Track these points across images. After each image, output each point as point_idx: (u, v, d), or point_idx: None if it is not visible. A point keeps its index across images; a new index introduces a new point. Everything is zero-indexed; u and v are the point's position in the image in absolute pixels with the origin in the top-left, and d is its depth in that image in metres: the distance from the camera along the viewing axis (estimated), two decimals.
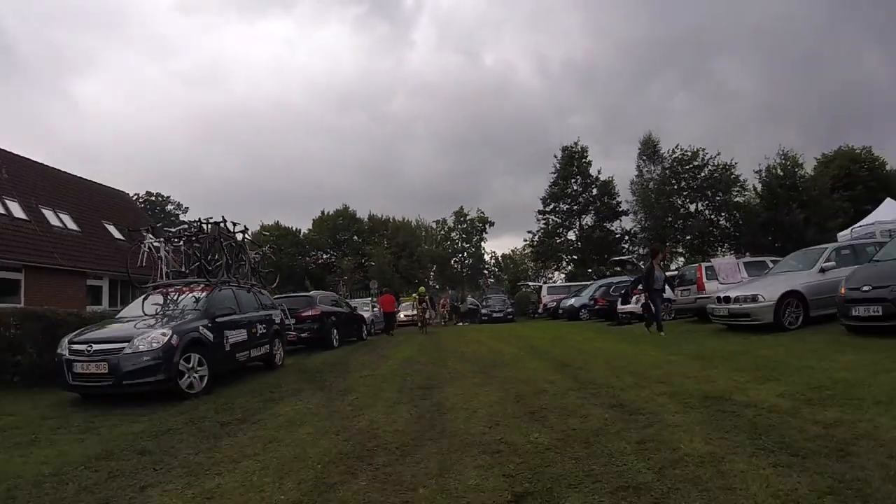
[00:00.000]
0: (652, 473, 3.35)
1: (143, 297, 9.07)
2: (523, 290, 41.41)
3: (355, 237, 59.13)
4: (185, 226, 10.73)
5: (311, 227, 60.29)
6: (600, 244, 41.82)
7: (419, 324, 22.50)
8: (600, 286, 22.83)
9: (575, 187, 41.75)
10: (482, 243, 55.52)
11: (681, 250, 40.01)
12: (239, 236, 11.42)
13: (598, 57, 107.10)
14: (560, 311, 25.09)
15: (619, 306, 17.67)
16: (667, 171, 38.92)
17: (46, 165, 24.37)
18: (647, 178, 39.53)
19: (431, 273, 54.86)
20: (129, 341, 6.88)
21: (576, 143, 42.53)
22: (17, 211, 19.35)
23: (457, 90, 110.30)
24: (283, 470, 3.93)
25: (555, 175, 41.44)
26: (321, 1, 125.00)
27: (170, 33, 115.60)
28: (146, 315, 8.12)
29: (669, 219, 38.72)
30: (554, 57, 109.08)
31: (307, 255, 58.51)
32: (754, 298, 10.03)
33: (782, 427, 4.06)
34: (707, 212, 39.50)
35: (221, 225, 10.69)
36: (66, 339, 7.31)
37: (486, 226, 54.49)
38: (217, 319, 8.33)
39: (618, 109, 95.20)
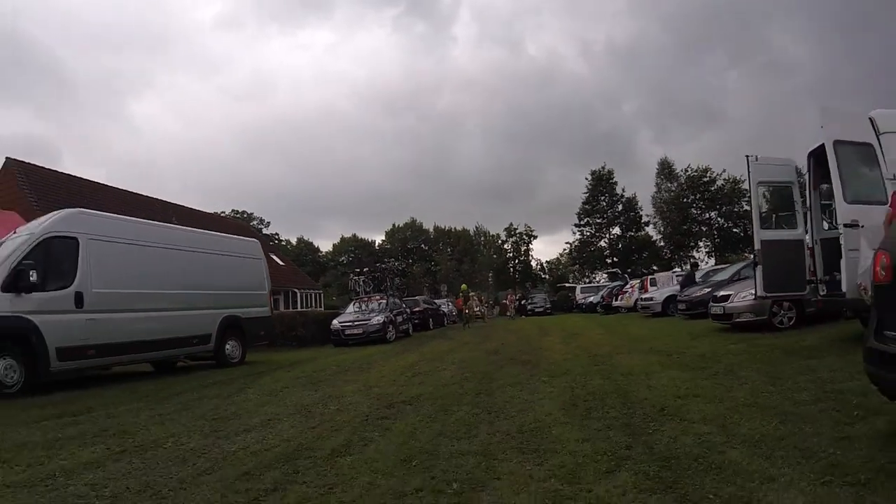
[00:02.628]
0: (618, 375, 6.62)
1: (352, 302, 18.97)
2: (563, 290, 50.51)
3: (423, 246, 69.27)
4: (368, 269, 20.84)
5: (384, 238, 70.81)
6: (628, 251, 50.94)
7: (465, 322, 24.75)
8: (608, 287, 31.81)
9: (603, 204, 51.04)
10: (530, 252, 65.31)
11: (701, 252, 48.52)
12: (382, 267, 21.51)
13: (641, 36, 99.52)
14: (583, 306, 34.07)
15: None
16: (683, 186, 47.63)
17: (195, 209, 35.01)
18: (664, 193, 48.35)
19: (490, 277, 64.21)
20: (369, 320, 16.64)
21: (603, 167, 51.85)
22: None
23: (502, 83, 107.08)
24: (434, 357, 13.19)
25: (586, 194, 50.70)
26: (357, 6, 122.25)
27: (214, 51, 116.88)
28: (363, 310, 17.90)
29: (685, 227, 47.47)
30: (597, 40, 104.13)
31: (382, 262, 68.85)
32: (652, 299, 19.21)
33: (675, 360, 8.39)
34: (720, 220, 48.09)
35: (384, 265, 20.78)
36: (336, 321, 17.14)
37: (531, 238, 64.33)
38: (392, 312, 18.06)
39: (669, 90, 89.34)
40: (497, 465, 3.37)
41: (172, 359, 10.92)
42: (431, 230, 69.47)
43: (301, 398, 6.57)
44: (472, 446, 3.83)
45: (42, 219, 9.41)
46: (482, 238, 66.84)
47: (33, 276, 8.01)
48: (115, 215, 11.00)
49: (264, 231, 70.57)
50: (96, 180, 29.35)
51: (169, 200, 33.22)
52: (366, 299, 18.93)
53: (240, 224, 41.62)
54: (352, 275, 20.65)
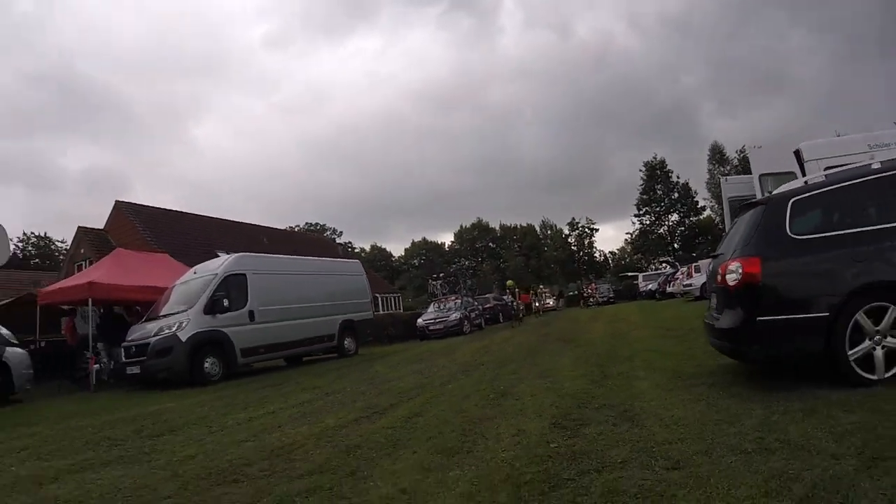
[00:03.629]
0: (622, 343, 15.24)
1: (432, 303, 22.60)
2: (627, 279, 52.78)
3: (490, 244, 72.64)
4: (443, 274, 24.48)
5: (452, 240, 74.59)
6: (691, 236, 52.78)
7: (517, 318, 24.32)
8: (664, 275, 34.31)
9: (659, 193, 53.10)
10: (593, 245, 67.73)
11: None
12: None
13: (693, 3, 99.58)
14: (643, 294, 36.63)
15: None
16: (737, 170, 49.06)
17: (280, 229, 39.56)
18: (717, 178, 49.92)
19: (556, 270, 67.02)
20: (447, 317, 20.22)
21: (654, 157, 53.81)
22: None
23: (555, 68, 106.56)
24: (501, 341, 16.53)
25: (642, 185, 52.94)
26: (400, 8, 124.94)
27: (267, 69, 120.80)
28: (441, 309, 21.49)
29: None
30: (647, 13, 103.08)
31: (454, 264, 72.64)
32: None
33: (670, 333, 15.41)
34: None
35: (457, 268, 24.38)
36: (420, 319, 20.82)
37: (592, 231, 66.73)
38: (466, 309, 21.56)
39: (728, 58, 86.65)
40: (523, 382, 6.71)
41: (306, 354, 14.71)
42: (497, 228, 72.72)
43: (412, 368, 10.12)
44: (514, 378, 7.17)
45: (218, 261, 13.46)
46: (548, 231, 69.48)
47: (225, 303, 11.94)
48: (266, 255, 15.09)
49: (337, 241, 75.22)
50: (193, 212, 33.87)
51: (258, 224, 37.96)
52: (443, 300, 22.51)
53: (324, 241, 46.28)
54: (430, 280, 24.61)
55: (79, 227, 29.58)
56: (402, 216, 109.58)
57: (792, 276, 4.22)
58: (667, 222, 54.37)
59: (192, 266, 15.17)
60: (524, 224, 71.49)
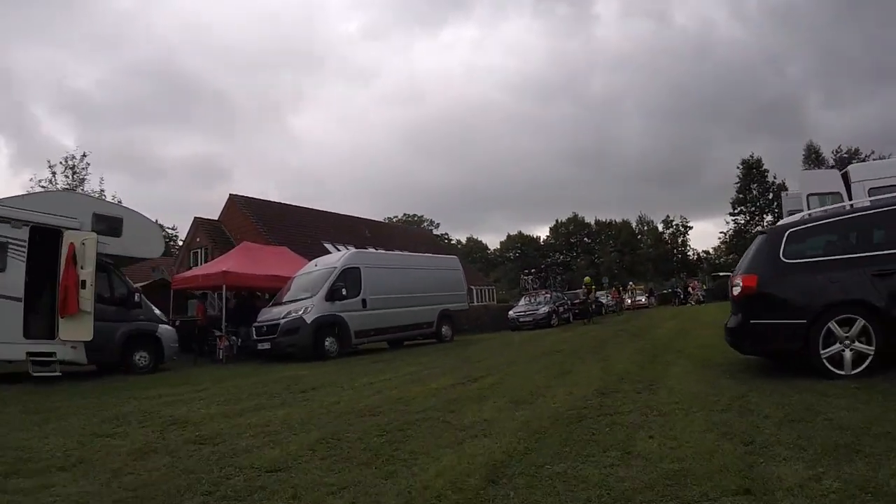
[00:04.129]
0: (679, 338, 16.47)
1: (523, 297, 24.24)
2: (719, 278, 51.92)
3: (585, 239, 73.04)
4: (535, 269, 26.08)
5: (548, 234, 75.51)
6: None
7: (589, 316, 23.47)
8: None
9: (755, 193, 51.90)
10: (687, 243, 66.86)
11: None
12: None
13: None
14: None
15: None
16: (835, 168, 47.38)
17: (380, 221, 42.14)
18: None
19: (650, 267, 66.67)
20: (537, 310, 21.83)
21: (751, 156, 52.59)
22: None
23: (654, 58, 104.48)
24: (581, 334, 17.89)
25: (738, 184, 51.89)
26: None
27: (365, 60, 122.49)
28: (532, 303, 23.09)
29: None
30: (749, 1, 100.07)
31: (546, 256, 73.60)
32: None
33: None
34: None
35: (548, 264, 25.93)
36: (511, 311, 22.52)
37: (686, 229, 65.87)
38: (555, 303, 23.04)
39: (834, 47, 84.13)
40: (585, 364, 8.25)
41: (408, 339, 16.69)
42: (593, 223, 73.06)
43: (500, 351, 11.91)
44: (578, 361, 8.70)
45: (336, 256, 15.85)
46: (644, 227, 69.10)
47: (343, 292, 14.12)
48: (377, 251, 17.35)
49: (434, 232, 76.54)
50: (300, 204, 36.83)
51: (360, 216, 40.71)
52: (534, 294, 24.06)
53: (423, 234, 48.85)
54: (522, 275, 26.23)
55: (195, 218, 32.96)
56: (499, 207, 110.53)
57: (780, 290, 5.58)
58: (762, 223, 53.20)
59: (306, 258, 17.65)
60: (619, 220, 71.76)
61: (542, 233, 78.65)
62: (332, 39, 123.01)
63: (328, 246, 30.84)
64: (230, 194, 33.71)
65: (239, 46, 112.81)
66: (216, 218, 33.16)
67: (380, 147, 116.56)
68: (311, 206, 37.57)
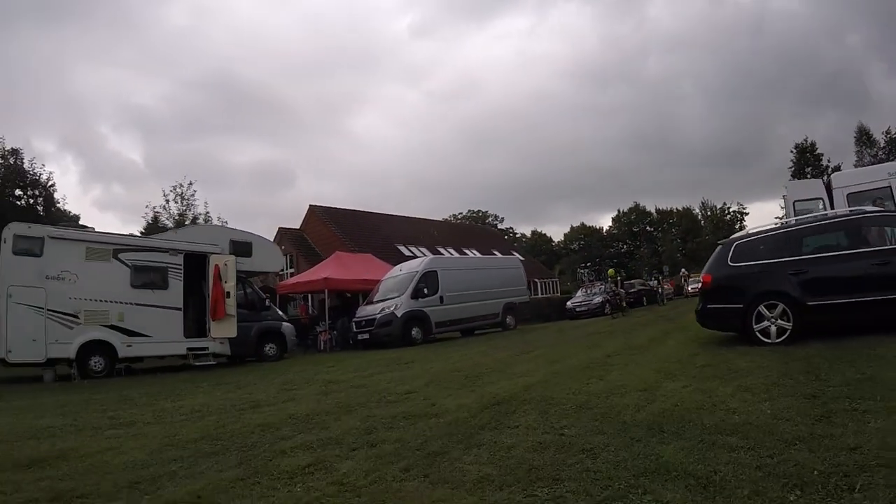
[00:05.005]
0: None
1: (580, 288, 26.88)
2: None
3: (647, 228, 74.17)
4: (590, 263, 28.62)
5: (610, 224, 77.03)
6: None
7: (617, 310, 23.39)
8: None
9: (808, 177, 51.90)
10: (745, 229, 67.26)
11: None
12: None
13: None
14: None
15: None
16: (885, 151, 47.01)
17: (442, 221, 45.34)
18: (867, 161, 48.11)
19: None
20: (591, 301, 24.50)
21: (805, 140, 52.80)
22: (453, 253, 37.86)
23: (710, 36, 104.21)
24: (626, 320, 20.41)
25: (791, 168, 52.02)
26: None
27: (418, 58, 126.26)
28: (587, 293, 25.75)
29: None
30: None
31: (610, 246, 75.19)
32: None
33: None
34: None
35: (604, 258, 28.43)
36: (569, 302, 25.26)
37: (742, 216, 66.39)
38: (609, 294, 25.58)
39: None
40: (613, 340, 11.01)
41: (477, 328, 19.71)
42: (654, 211, 74.09)
43: (553, 335, 14.71)
44: (609, 338, 11.46)
45: (415, 262, 18.97)
46: (707, 213, 69.60)
47: (424, 291, 17.31)
48: (451, 256, 20.64)
49: (499, 227, 78.53)
50: (372, 210, 40.30)
51: (428, 217, 43.98)
52: (589, 285, 26.66)
53: (488, 231, 51.84)
54: (578, 268, 28.86)
55: (279, 228, 36.88)
56: (562, 197, 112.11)
57: (727, 284, 8.25)
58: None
59: (384, 261, 20.99)
60: (680, 208, 72.52)
61: (606, 221, 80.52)
62: (383, 40, 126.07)
63: (402, 248, 34.27)
64: (310, 205, 37.56)
65: (293, 53, 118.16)
66: (298, 227, 37.14)
67: (439, 143, 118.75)
68: (382, 212, 41.13)
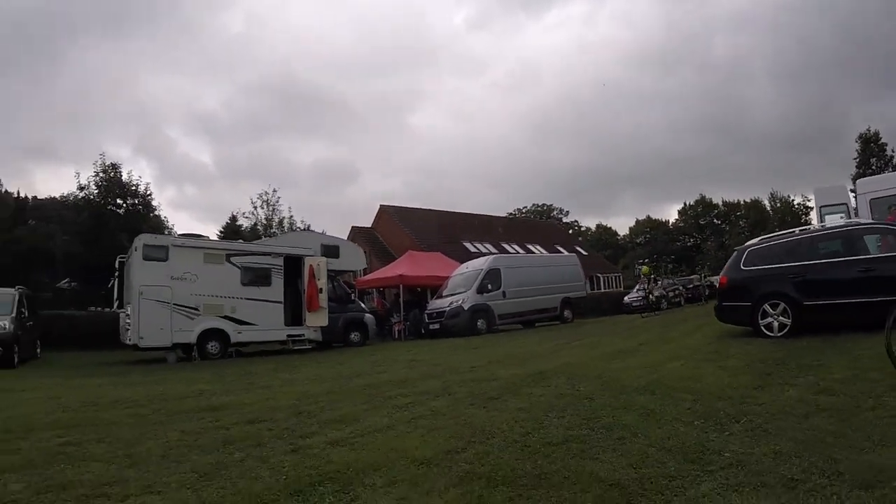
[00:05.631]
0: None
1: (638, 284, 28.31)
2: None
3: (715, 220, 73.53)
4: (647, 259, 29.97)
5: (676, 217, 76.72)
6: None
7: (651, 308, 23.12)
8: None
9: (873, 168, 50.75)
10: (809, 223, 65.51)
11: None
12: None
13: None
14: None
15: None
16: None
17: (506, 217, 47.09)
18: None
19: None
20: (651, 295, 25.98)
21: (868, 130, 51.45)
22: (517, 249, 39.32)
23: (777, 14, 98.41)
24: (674, 315, 21.79)
25: (857, 159, 50.88)
26: None
27: (475, 51, 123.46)
28: (644, 289, 27.19)
29: None
30: None
31: (675, 241, 74.89)
32: None
33: None
34: None
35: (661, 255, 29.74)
36: (626, 297, 26.77)
37: (807, 209, 64.88)
38: (666, 289, 26.94)
39: None
40: (648, 332, 12.76)
41: (537, 321, 21.59)
42: (721, 203, 73.30)
43: (605, 327, 16.50)
44: (646, 329, 13.20)
45: (481, 260, 21.08)
46: (777, 204, 68.19)
47: (489, 286, 19.37)
48: (513, 255, 22.66)
49: (563, 220, 79.52)
50: (439, 208, 42.58)
51: (493, 214, 45.86)
52: (646, 281, 28.03)
53: (551, 227, 53.33)
54: (636, 264, 30.23)
55: (352, 227, 39.73)
56: (628, 187, 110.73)
57: (738, 285, 9.91)
58: None
59: (451, 257, 23.12)
60: (747, 200, 71.49)
61: (674, 211, 79.83)
62: (439, 35, 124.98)
63: (467, 245, 36.44)
64: (381, 205, 40.28)
65: (350, 53, 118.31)
66: (369, 225, 39.85)
67: (501, 136, 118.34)
68: (448, 209, 43.33)
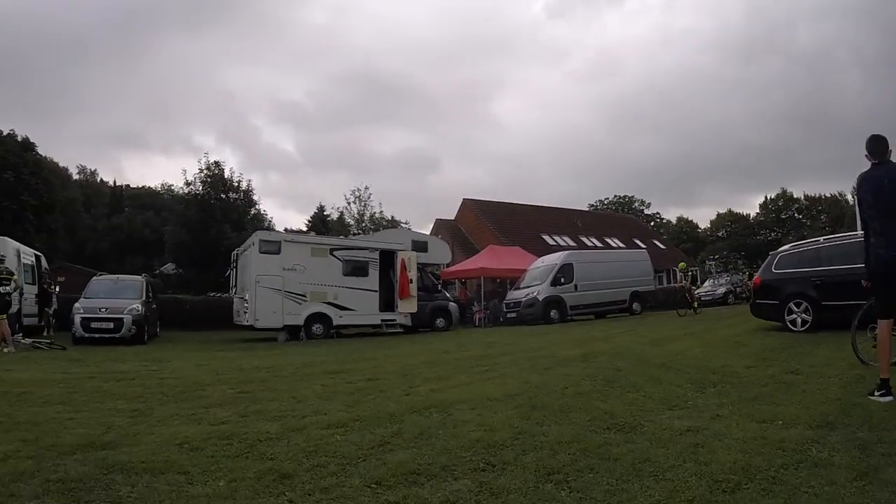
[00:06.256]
0: None
1: (708, 279, 29.60)
2: None
3: (796, 215, 71.89)
4: (717, 256, 31.15)
5: (758, 211, 75.31)
6: None
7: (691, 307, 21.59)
8: None
9: None
10: None
11: None
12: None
13: None
14: None
15: None
16: None
17: (585, 211, 48.32)
18: None
19: None
20: (715, 291, 27.23)
21: None
22: (595, 242, 41.16)
23: (860, 1, 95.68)
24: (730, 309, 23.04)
25: None
26: None
27: (556, 39, 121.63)
28: (713, 284, 28.43)
29: None
30: None
31: (756, 235, 73.54)
32: None
33: None
34: None
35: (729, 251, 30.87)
36: (696, 292, 28.21)
37: None
38: (733, 285, 28.10)
39: None
40: (701, 324, 14.55)
41: (608, 313, 23.45)
42: (802, 198, 71.57)
43: (667, 319, 18.27)
44: (700, 322, 14.98)
45: (555, 255, 23.21)
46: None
47: (562, 280, 21.48)
48: (584, 250, 24.67)
49: (645, 212, 79.23)
50: (520, 201, 44.54)
51: (573, 208, 47.33)
52: (716, 276, 29.33)
53: (629, 221, 54.30)
54: (707, 260, 31.58)
55: (436, 219, 42.37)
56: (710, 179, 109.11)
57: (769, 286, 11.67)
58: None
59: (529, 250, 25.31)
60: (828, 195, 69.33)
61: (755, 204, 78.20)
62: (519, 23, 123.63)
63: (546, 238, 38.43)
64: (464, 198, 42.67)
65: (430, 43, 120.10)
66: (452, 218, 42.36)
67: (582, 125, 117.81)
68: (529, 201, 45.19)
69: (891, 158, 5.27)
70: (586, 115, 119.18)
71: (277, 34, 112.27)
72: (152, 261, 44.07)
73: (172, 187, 48.31)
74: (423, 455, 3.93)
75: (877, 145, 5.29)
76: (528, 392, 6.28)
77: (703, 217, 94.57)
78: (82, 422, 5.18)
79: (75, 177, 60.39)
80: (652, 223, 77.67)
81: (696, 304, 21.33)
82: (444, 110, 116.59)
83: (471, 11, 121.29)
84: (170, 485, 3.37)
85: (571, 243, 38.34)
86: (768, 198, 73.65)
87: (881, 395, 4.98)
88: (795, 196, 72.20)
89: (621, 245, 40.46)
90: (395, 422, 5.03)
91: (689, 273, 20.91)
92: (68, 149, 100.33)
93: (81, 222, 46.00)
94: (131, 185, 66.46)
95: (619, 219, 53.41)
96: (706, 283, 29.61)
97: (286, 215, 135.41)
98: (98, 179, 67.11)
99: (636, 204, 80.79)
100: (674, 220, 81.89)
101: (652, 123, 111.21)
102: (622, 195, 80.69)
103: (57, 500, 3.12)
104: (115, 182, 64.92)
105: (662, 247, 47.19)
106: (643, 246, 42.07)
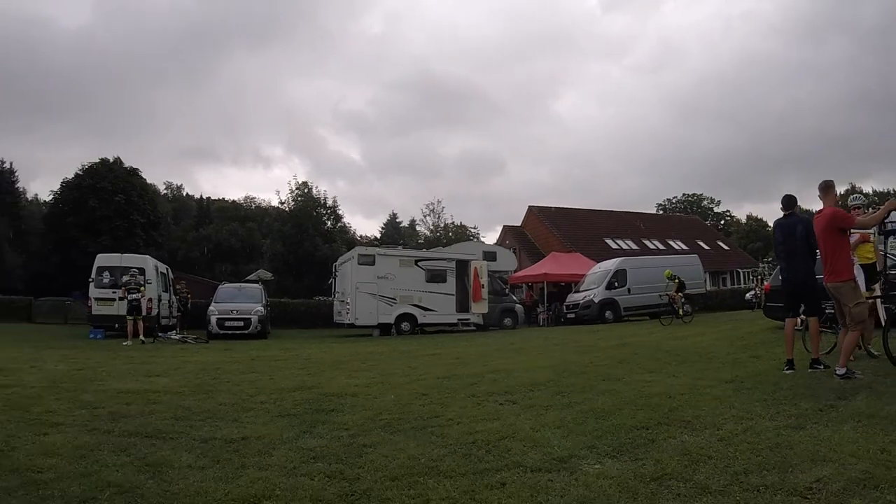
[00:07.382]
0: None
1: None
2: None
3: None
4: (772, 259, 32.86)
5: None
6: None
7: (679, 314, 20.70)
8: None
9: None
10: None
11: None
12: None
13: None
14: None
15: None
16: None
17: (652, 213, 50.19)
18: None
19: None
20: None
21: None
22: (657, 245, 43.23)
23: None
24: None
25: None
26: None
27: (614, 32, 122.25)
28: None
29: None
30: None
31: None
32: None
33: None
34: None
35: None
36: (748, 294, 30.15)
37: None
38: None
39: None
40: (741, 325, 17.08)
41: (660, 314, 25.79)
42: (871, 193, 70.37)
43: (710, 321, 20.71)
44: (739, 322, 17.48)
45: (610, 262, 25.99)
46: None
47: (616, 284, 24.25)
48: (637, 257, 27.22)
49: (715, 210, 79.28)
50: (583, 207, 46.84)
51: (640, 207, 49.17)
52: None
53: (693, 222, 55.70)
54: (760, 262, 33.26)
55: (504, 226, 45.47)
56: (785, 170, 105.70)
57: (778, 290, 14.23)
58: None
59: (590, 254, 28.05)
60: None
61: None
62: (575, 18, 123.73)
63: (608, 241, 40.82)
64: (529, 206, 45.56)
65: (487, 44, 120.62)
66: (518, 224, 45.32)
67: (647, 119, 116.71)
68: (592, 206, 47.46)
69: (796, 212, 8.06)
70: (649, 108, 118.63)
71: (337, 45, 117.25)
72: (239, 267, 48.91)
73: (255, 199, 53.23)
74: (498, 388, 7.09)
75: (788, 202, 8.04)
76: (563, 364, 9.42)
77: (779, 213, 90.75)
78: (281, 380, 8.47)
79: (163, 192, 66.38)
80: (721, 222, 77.82)
81: (681, 312, 20.61)
82: (505, 111, 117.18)
83: (525, 10, 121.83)
84: (365, 398, 6.68)
85: (634, 246, 40.59)
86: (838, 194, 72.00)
87: (787, 369, 7.70)
88: (865, 192, 70.92)
89: (684, 248, 42.36)
90: (478, 378, 8.20)
91: (676, 280, 20.96)
92: (150, 165, 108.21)
93: (171, 234, 51.42)
94: (212, 198, 72.14)
95: (683, 220, 54.74)
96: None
97: (354, 220, 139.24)
98: (184, 194, 73.46)
99: (705, 202, 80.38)
100: (743, 220, 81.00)
101: (717, 114, 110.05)
102: (690, 193, 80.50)
103: (307, 407, 6.29)
104: (201, 195, 71.07)
105: (726, 248, 48.31)
106: (707, 248, 43.93)
